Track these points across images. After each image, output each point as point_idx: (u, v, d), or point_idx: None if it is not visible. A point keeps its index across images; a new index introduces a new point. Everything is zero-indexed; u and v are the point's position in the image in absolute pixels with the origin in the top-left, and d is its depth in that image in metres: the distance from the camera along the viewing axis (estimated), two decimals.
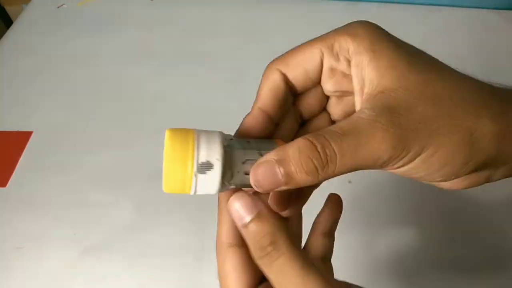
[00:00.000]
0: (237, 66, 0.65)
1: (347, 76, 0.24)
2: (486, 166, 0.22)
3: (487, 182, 0.23)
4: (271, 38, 0.68)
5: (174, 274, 0.45)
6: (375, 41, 0.22)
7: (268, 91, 0.25)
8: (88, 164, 0.54)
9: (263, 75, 0.25)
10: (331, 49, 0.23)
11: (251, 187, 0.23)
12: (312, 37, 0.24)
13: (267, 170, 0.21)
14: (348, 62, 0.23)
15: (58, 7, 0.78)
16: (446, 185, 0.23)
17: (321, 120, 0.27)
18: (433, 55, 0.23)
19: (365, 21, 0.23)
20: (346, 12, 0.72)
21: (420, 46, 0.23)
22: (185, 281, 0.44)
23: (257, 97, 0.25)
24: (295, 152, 0.20)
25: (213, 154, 0.23)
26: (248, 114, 0.25)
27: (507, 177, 0.23)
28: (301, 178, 0.21)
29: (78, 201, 0.51)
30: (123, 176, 0.53)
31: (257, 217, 0.23)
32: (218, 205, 0.25)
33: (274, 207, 0.24)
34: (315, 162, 0.20)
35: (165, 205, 0.50)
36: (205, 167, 0.22)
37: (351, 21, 0.24)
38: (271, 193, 0.24)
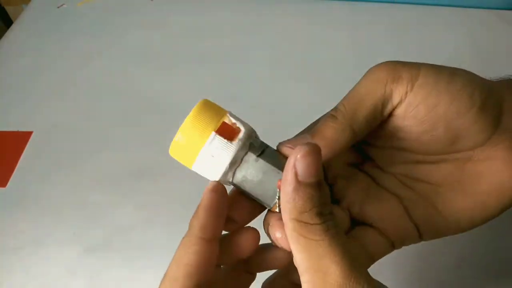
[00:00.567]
0: (237, 66, 0.65)
1: None
2: None
3: None
4: (271, 38, 0.68)
5: None
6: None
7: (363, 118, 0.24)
8: (88, 164, 0.54)
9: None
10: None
11: (247, 192, 0.24)
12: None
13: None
14: None
15: (58, 7, 0.78)
16: None
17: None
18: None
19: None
20: (346, 12, 0.72)
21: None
22: None
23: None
24: None
25: (243, 126, 0.23)
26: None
27: None
28: None
29: (78, 201, 0.51)
30: (123, 176, 0.53)
31: (320, 183, 0.21)
32: (203, 200, 0.25)
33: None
34: None
35: (165, 205, 0.50)
36: (228, 133, 0.23)
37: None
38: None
